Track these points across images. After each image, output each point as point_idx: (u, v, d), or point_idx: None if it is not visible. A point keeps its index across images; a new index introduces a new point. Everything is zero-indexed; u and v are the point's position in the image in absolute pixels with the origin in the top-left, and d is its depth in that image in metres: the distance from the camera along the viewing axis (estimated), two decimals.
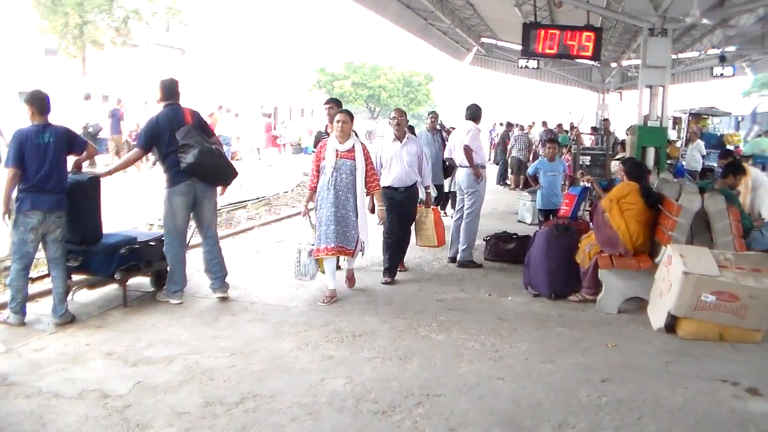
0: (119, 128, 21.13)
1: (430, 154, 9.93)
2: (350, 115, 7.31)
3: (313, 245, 7.22)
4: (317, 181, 7.21)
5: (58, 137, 6.26)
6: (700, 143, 17.83)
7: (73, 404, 4.61)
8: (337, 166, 7.04)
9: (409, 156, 8.06)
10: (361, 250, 7.39)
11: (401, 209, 8.12)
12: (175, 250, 7.04)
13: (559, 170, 10.28)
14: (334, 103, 8.30)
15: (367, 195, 7.42)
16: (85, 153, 6.63)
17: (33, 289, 6.78)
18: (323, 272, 7.35)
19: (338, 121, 7.10)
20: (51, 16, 29.52)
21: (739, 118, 25.95)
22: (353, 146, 7.12)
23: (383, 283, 7.96)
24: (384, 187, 7.83)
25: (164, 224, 7.08)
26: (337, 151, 7.08)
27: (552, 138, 13.64)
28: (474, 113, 9.34)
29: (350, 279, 7.75)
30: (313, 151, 7.63)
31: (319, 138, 8.41)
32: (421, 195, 8.63)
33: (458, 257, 9.11)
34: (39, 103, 6.23)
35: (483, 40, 24.56)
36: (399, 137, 8.13)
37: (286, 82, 55.19)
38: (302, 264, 7.32)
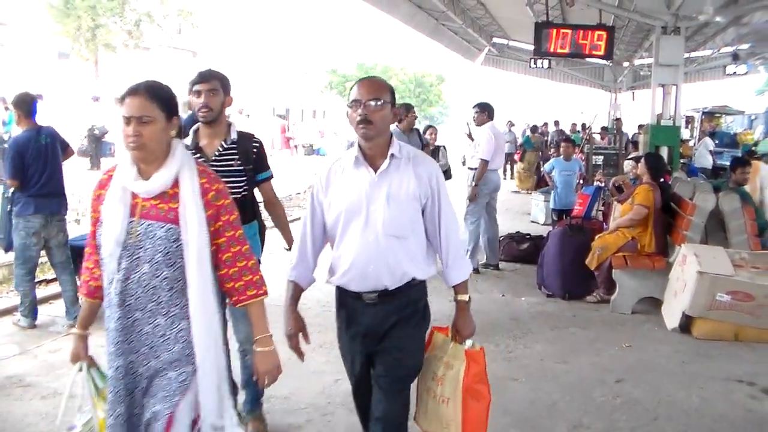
0: None
1: None
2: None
3: None
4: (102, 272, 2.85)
5: (53, 138, 6.23)
6: (708, 141, 17.81)
7: None
8: (129, 243, 2.73)
9: (394, 206, 3.04)
10: None
11: (378, 348, 3.19)
12: None
13: (575, 170, 10.23)
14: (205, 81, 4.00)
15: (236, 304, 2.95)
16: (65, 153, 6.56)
17: (47, 291, 6.84)
18: None
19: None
20: (64, 19, 29.74)
21: (753, 117, 25.78)
22: (174, 179, 2.76)
23: None
24: (339, 290, 3.28)
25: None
26: (134, 198, 2.77)
27: (567, 137, 13.60)
28: (492, 112, 8.85)
29: None
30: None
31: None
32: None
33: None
34: (26, 107, 6.13)
35: (495, 40, 24.49)
36: (370, 156, 3.11)
37: (298, 84, 55.25)
38: None
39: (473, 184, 8.51)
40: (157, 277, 2.71)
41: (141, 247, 2.71)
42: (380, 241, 3.02)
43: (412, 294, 3.16)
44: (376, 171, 3.06)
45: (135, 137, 2.68)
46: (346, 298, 3.23)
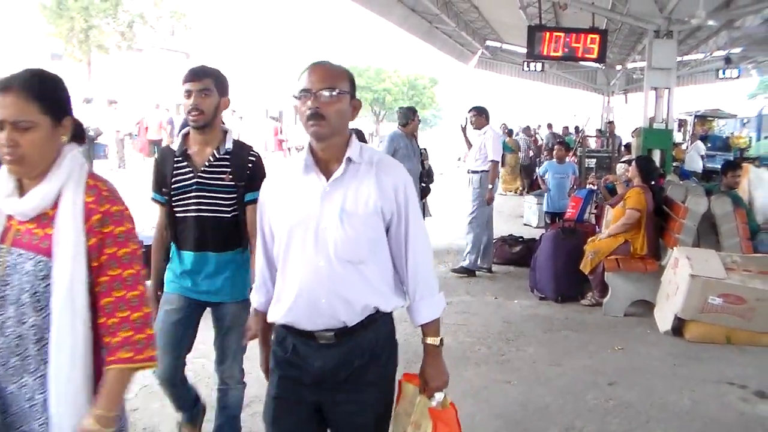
0: None
1: (411, 171, 8.01)
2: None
3: None
4: None
5: None
6: (699, 145, 17.90)
7: None
8: None
9: (349, 223, 2.39)
10: None
11: (332, 401, 2.52)
12: None
13: (568, 173, 10.25)
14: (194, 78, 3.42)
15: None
16: None
17: None
18: None
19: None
20: (57, 20, 29.73)
21: (745, 120, 25.92)
22: (56, 197, 2.07)
23: None
24: (282, 329, 2.55)
25: None
26: (9, 219, 2.11)
27: (561, 140, 13.64)
28: (489, 116, 8.83)
29: None
30: None
31: (163, 160, 3.62)
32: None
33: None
34: None
35: (488, 43, 24.51)
36: (323, 160, 2.47)
37: (291, 86, 55.24)
38: None
39: (489, 186, 8.49)
40: (24, 323, 2.04)
41: (8, 284, 2.05)
42: (333, 267, 2.39)
43: (377, 329, 2.52)
44: (324, 178, 2.43)
45: (11, 148, 1.99)
46: (291, 338, 2.51)
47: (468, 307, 7.21)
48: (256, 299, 2.75)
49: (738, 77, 21.55)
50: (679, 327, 6.30)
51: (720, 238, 7.13)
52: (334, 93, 2.38)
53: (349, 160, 2.42)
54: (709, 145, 19.58)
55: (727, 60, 20.23)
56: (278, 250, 2.49)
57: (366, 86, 55.68)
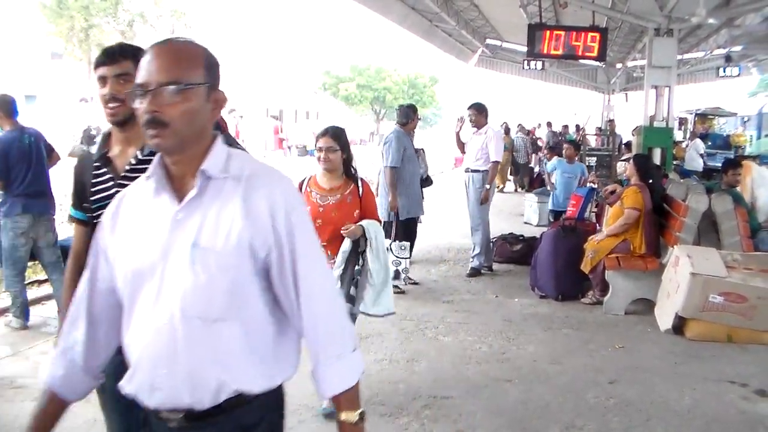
0: None
1: (412, 171, 7.89)
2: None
3: None
4: None
5: (38, 138, 6.20)
6: (698, 143, 17.91)
7: (81, 407, 4.60)
8: None
9: (202, 264, 1.70)
10: None
11: None
12: None
13: (577, 173, 10.20)
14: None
15: None
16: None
17: (40, 292, 6.80)
18: None
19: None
20: (57, 19, 29.80)
21: (745, 119, 25.92)
22: None
23: None
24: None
25: None
26: None
27: (571, 139, 13.62)
28: (488, 114, 8.77)
29: None
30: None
31: (81, 168, 2.83)
32: None
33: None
34: (7, 107, 6.08)
35: (488, 41, 24.47)
36: (177, 176, 1.80)
37: (292, 85, 55.26)
38: None
39: (486, 186, 8.45)
40: None
41: None
42: (177, 328, 1.70)
43: (246, 415, 1.81)
44: (178, 203, 1.76)
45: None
46: (146, 412, 1.86)
47: (469, 305, 7.21)
48: (49, 371, 1.96)
49: (738, 75, 21.54)
50: (679, 325, 6.30)
51: (721, 237, 7.13)
52: (180, 87, 1.68)
53: (204, 174, 1.74)
54: (709, 143, 19.58)
55: (728, 58, 20.20)
56: (122, 303, 1.84)
57: (366, 85, 55.68)
